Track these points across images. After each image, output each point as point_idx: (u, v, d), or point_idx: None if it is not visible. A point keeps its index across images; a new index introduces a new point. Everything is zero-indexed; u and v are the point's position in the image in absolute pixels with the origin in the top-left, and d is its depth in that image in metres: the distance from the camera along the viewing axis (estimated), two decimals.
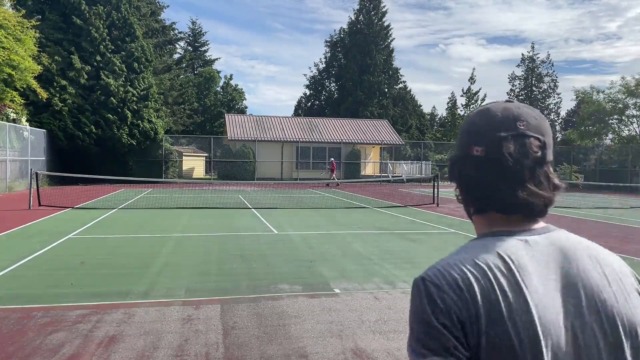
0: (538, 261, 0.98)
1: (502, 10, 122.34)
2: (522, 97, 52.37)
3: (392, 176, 36.64)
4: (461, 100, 56.36)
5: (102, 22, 29.88)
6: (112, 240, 9.77)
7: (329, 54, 62.01)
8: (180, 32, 55.61)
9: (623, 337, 0.93)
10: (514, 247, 0.99)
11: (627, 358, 0.93)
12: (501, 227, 1.05)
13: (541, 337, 0.89)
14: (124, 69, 30.41)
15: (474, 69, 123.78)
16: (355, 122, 43.11)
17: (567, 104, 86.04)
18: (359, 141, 39.42)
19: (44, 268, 7.25)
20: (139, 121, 30.46)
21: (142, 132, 30.66)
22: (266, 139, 37.49)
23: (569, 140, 45.84)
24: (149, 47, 32.77)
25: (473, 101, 54.70)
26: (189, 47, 61.75)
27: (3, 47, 19.71)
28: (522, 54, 62.69)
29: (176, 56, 52.82)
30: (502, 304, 0.91)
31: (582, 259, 1.00)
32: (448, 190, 29.90)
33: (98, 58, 29.54)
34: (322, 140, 38.57)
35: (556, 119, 53.48)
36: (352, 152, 38.40)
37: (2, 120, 21.31)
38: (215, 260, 7.96)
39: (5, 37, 19.77)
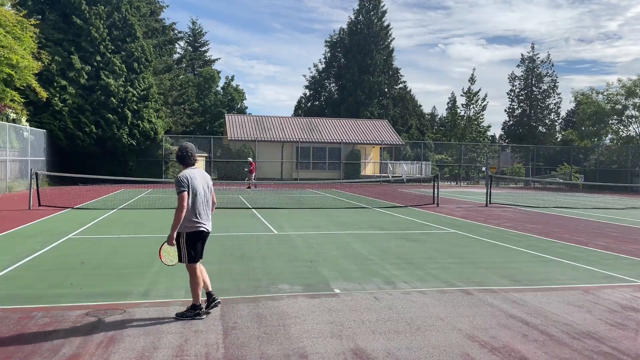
0: (198, 173, 5.22)
1: (501, 9, 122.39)
2: (522, 97, 52.35)
3: (392, 176, 36.64)
4: (461, 100, 56.14)
5: (102, 22, 29.88)
6: (112, 240, 9.77)
7: (329, 54, 62.02)
8: (180, 32, 55.68)
9: (209, 188, 5.34)
10: (195, 170, 5.21)
11: (209, 194, 5.32)
12: (191, 168, 5.21)
13: (198, 189, 5.09)
14: (124, 69, 30.41)
15: (474, 69, 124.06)
16: (355, 122, 43.12)
17: (567, 104, 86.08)
18: (359, 141, 39.43)
19: (44, 268, 7.25)
20: (139, 121, 30.45)
21: (142, 132, 30.65)
22: (266, 139, 37.50)
23: (569, 140, 45.85)
24: (149, 47, 32.77)
25: (473, 101, 54.70)
26: (189, 47, 61.73)
27: (2, 46, 19.71)
28: (522, 54, 62.73)
29: (176, 56, 52.84)
30: (195, 181, 5.07)
31: (205, 175, 5.34)
32: (448, 190, 29.92)
33: (98, 58, 29.54)
34: (322, 140, 38.58)
35: (556, 119, 53.47)
36: (352, 152, 38.41)
37: (2, 120, 21.31)
38: (215, 260, 7.96)
39: (4, 36, 19.76)
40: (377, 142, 40.23)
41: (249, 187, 26.81)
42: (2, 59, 19.85)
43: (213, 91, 58.74)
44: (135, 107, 30.37)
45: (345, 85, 56.58)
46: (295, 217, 13.99)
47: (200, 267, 5.20)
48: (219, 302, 5.22)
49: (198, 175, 5.17)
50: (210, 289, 5.23)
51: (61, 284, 6.38)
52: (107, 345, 4.31)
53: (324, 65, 62.76)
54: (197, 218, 5.06)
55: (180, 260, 5.07)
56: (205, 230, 5.15)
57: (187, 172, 5.10)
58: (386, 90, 56.98)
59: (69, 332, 4.60)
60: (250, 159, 29.81)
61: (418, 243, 10.08)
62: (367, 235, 11.04)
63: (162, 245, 5.12)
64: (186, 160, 5.16)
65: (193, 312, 5.06)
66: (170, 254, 5.12)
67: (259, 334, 4.63)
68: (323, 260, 8.07)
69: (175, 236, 4.99)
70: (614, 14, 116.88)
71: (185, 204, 4.93)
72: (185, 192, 4.95)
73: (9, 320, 4.91)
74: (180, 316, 5.05)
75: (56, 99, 27.42)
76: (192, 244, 5.05)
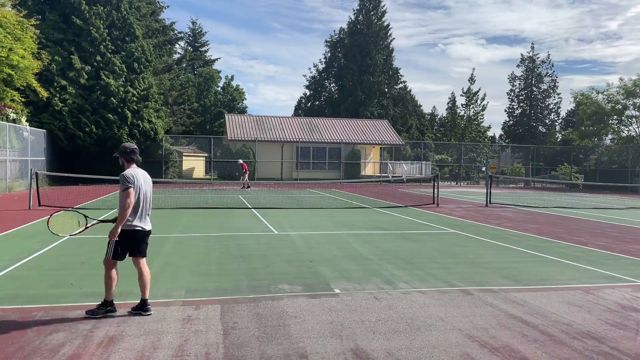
0: (141, 174, 5.25)
1: (501, 9, 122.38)
2: (522, 97, 52.32)
3: (392, 176, 36.64)
4: (461, 100, 56.13)
5: (102, 22, 29.88)
6: None
7: (329, 54, 62.02)
8: (180, 32, 55.67)
9: (150, 190, 5.34)
10: (138, 170, 5.25)
11: (150, 195, 5.32)
12: (135, 167, 5.24)
13: (141, 189, 5.14)
14: (124, 69, 30.41)
15: (473, 69, 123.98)
16: (355, 122, 43.12)
17: (567, 104, 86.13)
18: (359, 141, 39.43)
19: (44, 268, 7.25)
20: (139, 121, 30.45)
21: (142, 132, 30.65)
22: (266, 139, 37.50)
23: (569, 140, 45.84)
24: (149, 47, 32.77)
25: (473, 101, 54.69)
26: (189, 47, 61.73)
27: (3, 47, 19.71)
28: (522, 54, 62.68)
29: (176, 56, 52.83)
30: (140, 181, 5.14)
31: (147, 176, 5.32)
32: (448, 190, 29.91)
33: (98, 58, 29.54)
34: (322, 140, 38.58)
35: (556, 119, 53.44)
36: (352, 152, 38.41)
37: (2, 120, 21.30)
38: (215, 260, 7.96)
39: (5, 36, 19.76)
40: (377, 142, 40.23)
41: (246, 187, 26.88)
42: (3, 59, 19.85)
43: (213, 91, 58.73)
44: (135, 107, 30.37)
45: (345, 85, 56.58)
46: (295, 217, 13.99)
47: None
48: (150, 314, 5.14)
49: (141, 175, 5.23)
50: (146, 297, 5.19)
51: (61, 284, 6.38)
52: (107, 345, 4.31)
53: (324, 65, 62.80)
54: (134, 217, 5.07)
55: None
56: (140, 229, 5.13)
57: (132, 171, 5.14)
58: (386, 90, 56.98)
59: (69, 332, 4.60)
60: (241, 161, 29.84)
61: (418, 243, 10.08)
62: (367, 235, 11.03)
63: (61, 214, 5.35)
64: (131, 156, 5.21)
65: (104, 309, 5.06)
66: (66, 225, 5.26)
67: (259, 334, 4.63)
68: (323, 260, 8.07)
69: (118, 232, 4.99)
70: (614, 14, 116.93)
71: (132, 201, 4.96)
72: (132, 189, 4.98)
73: (9, 320, 4.91)
74: (90, 314, 5.03)
75: (56, 99, 27.42)
76: (121, 241, 5.03)
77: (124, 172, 5.09)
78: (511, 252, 9.29)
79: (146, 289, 5.19)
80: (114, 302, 5.15)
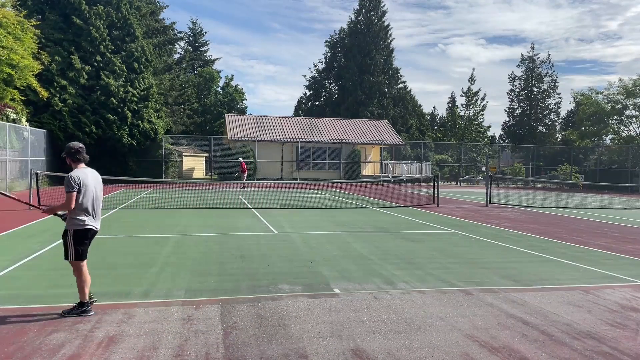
0: (90, 173, 5.20)
1: (501, 9, 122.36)
2: (522, 97, 52.31)
3: (392, 176, 36.64)
4: (461, 100, 56.15)
5: (102, 22, 29.88)
6: (112, 240, 9.76)
7: (329, 54, 62.01)
8: (180, 32, 55.68)
9: (100, 189, 5.31)
10: (87, 170, 5.22)
11: (100, 194, 5.30)
12: (82, 167, 5.18)
13: (89, 188, 5.08)
14: (124, 69, 30.41)
15: (473, 69, 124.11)
16: (355, 122, 43.13)
17: (567, 104, 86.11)
18: (359, 141, 39.43)
19: (44, 268, 7.25)
20: (139, 121, 30.44)
21: (142, 133, 30.65)
22: (266, 139, 37.50)
23: (569, 140, 45.83)
24: (149, 47, 32.77)
25: (473, 101, 54.67)
26: (189, 47, 61.76)
27: (3, 47, 19.71)
28: (522, 54, 62.69)
29: (176, 56, 52.84)
30: (87, 180, 5.07)
31: (96, 175, 5.30)
32: (448, 191, 29.91)
33: (98, 58, 29.54)
34: (322, 140, 38.58)
35: (556, 119, 53.43)
36: (352, 152, 38.41)
37: (2, 120, 21.30)
38: (215, 260, 7.96)
39: (5, 36, 19.77)
40: (377, 142, 40.23)
41: (244, 187, 26.91)
42: (3, 59, 19.85)
43: (213, 91, 58.74)
44: (135, 107, 30.36)
45: (345, 85, 56.58)
46: (295, 217, 13.99)
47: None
48: (92, 313, 5.15)
49: (90, 174, 5.19)
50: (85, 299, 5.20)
51: (61, 284, 6.38)
52: (107, 345, 4.31)
53: (324, 65, 62.79)
54: (85, 217, 5.07)
55: (66, 257, 5.09)
56: (93, 228, 5.15)
57: (78, 172, 5.09)
58: (386, 90, 56.99)
59: (69, 332, 4.60)
60: (240, 159, 29.76)
61: (418, 243, 10.08)
62: (367, 235, 11.03)
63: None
64: (76, 156, 5.15)
65: (80, 310, 5.07)
66: None
67: (259, 334, 4.63)
68: (323, 260, 8.07)
69: (55, 210, 5.17)
70: (614, 14, 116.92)
71: (72, 206, 4.95)
72: (74, 193, 4.95)
73: (9, 320, 4.91)
74: (66, 313, 5.05)
75: (56, 99, 27.42)
76: (79, 241, 5.06)
77: (70, 174, 5.04)
78: (511, 252, 9.29)
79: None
80: (92, 302, 5.17)
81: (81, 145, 5.24)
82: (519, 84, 52.66)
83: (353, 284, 6.61)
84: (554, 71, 54.60)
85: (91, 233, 5.16)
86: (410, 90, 61.66)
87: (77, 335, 4.54)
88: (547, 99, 52.09)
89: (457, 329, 4.90)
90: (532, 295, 6.22)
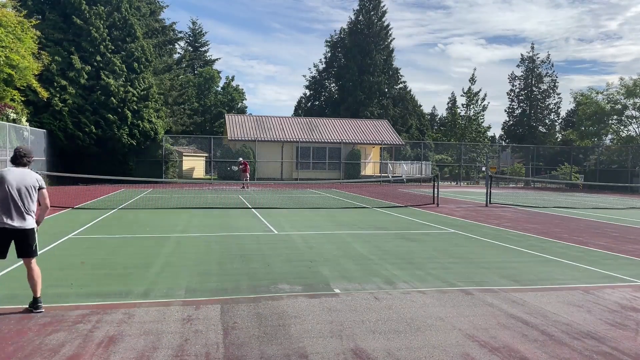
0: (12, 172, 5.24)
1: (501, 9, 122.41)
2: (522, 97, 52.29)
3: (392, 176, 36.64)
4: (461, 100, 56.13)
5: (102, 22, 29.87)
6: (112, 240, 9.77)
7: (329, 54, 62.01)
8: (180, 32, 55.66)
9: (29, 188, 5.27)
10: (15, 169, 5.31)
11: (28, 194, 5.29)
12: (12, 167, 5.32)
13: (7, 186, 5.15)
14: (124, 69, 30.39)
15: (474, 69, 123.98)
16: (355, 122, 43.12)
17: (567, 104, 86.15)
18: (359, 141, 39.43)
19: (44, 268, 7.21)
20: (139, 121, 30.43)
21: (142, 132, 30.64)
22: (266, 139, 37.50)
23: (569, 140, 45.81)
24: (149, 47, 32.75)
25: (473, 101, 54.65)
26: (189, 47, 61.76)
27: (3, 47, 19.71)
28: (522, 54, 62.70)
29: (176, 56, 52.82)
30: (7, 178, 5.16)
31: (24, 175, 5.29)
32: (448, 190, 29.91)
33: (98, 58, 29.53)
34: (322, 140, 38.58)
35: (556, 119, 53.41)
36: (352, 152, 38.41)
37: (2, 120, 21.30)
38: (215, 260, 7.96)
39: (5, 36, 19.76)
40: (377, 142, 40.23)
41: (242, 187, 26.85)
42: (3, 59, 19.85)
43: (213, 91, 58.75)
44: (135, 107, 30.35)
45: (345, 85, 56.57)
46: (295, 217, 13.99)
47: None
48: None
49: (17, 174, 5.28)
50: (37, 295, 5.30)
51: (61, 284, 6.38)
52: (107, 345, 4.32)
53: (324, 65, 62.79)
54: None
55: None
56: (8, 227, 5.18)
57: (3, 170, 5.29)
58: (386, 90, 56.98)
59: (69, 332, 4.60)
60: (241, 159, 29.69)
61: (418, 243, 10.08)
62: (367, 235, 11.03)
63: None
64: (16, 160, 5.37)
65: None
66: None
67: (259, 334, 4.63)
68: (323, 260, 8.07)
69: None
70: (614, 14, 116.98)
71: None
72: None
73: (9, 320, 4.91)
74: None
75: (56, 99, 27.40)
76: None
77: None
78: (511, 252, 9.29)
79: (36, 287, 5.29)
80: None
81: (19, 151, 5.40)
82: (519, 84, 52.66)
83: (353, 284, 6.61)
84: (553, 71, 54.67)
85: (6, 231, 5.19)
86: (410, 90, 61.73)
87: (77, 335, 4.54)
88: (547, 99, 52.08)
89: (457, 328, 4.90)
90: (532, 295, 6.22)
